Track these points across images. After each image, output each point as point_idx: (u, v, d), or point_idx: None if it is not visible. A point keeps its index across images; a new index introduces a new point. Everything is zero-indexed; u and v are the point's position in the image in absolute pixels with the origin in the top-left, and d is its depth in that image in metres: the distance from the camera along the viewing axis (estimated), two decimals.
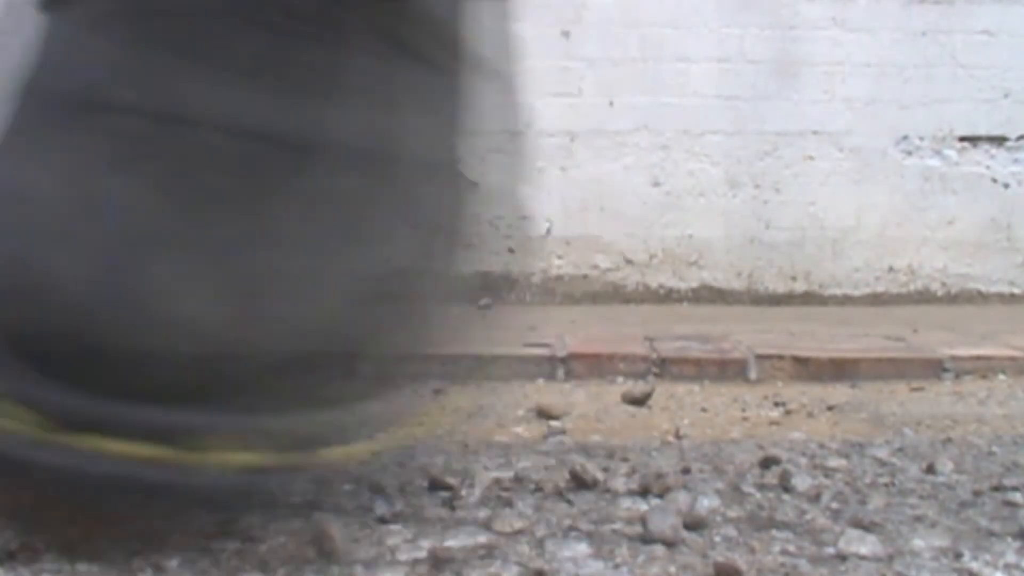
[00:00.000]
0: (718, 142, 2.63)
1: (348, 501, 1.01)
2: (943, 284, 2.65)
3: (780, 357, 1.71)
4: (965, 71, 2.65)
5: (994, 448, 1.24)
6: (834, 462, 1.17)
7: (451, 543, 0.89)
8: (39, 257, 0.84)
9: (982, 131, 2.66)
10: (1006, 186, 2.65)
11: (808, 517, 0.98)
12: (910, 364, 1.72)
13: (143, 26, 0.93)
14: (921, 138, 2.65)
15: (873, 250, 2.66)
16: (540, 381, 1.69)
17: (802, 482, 1.09)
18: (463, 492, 1.04)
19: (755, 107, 2.66)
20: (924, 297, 2.64)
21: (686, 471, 1.13)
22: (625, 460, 1.17)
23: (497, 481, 1.08)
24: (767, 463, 1.15)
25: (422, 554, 0.86)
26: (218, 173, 0.86)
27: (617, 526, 0.94)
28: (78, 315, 0.82)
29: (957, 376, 1.70)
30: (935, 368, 1.71)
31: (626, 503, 1.01)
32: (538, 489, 1.05)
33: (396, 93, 0.97)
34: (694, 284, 2.63)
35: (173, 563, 0.83)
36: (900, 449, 1.23)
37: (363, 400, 1.00)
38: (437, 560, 0.85)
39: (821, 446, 1.25)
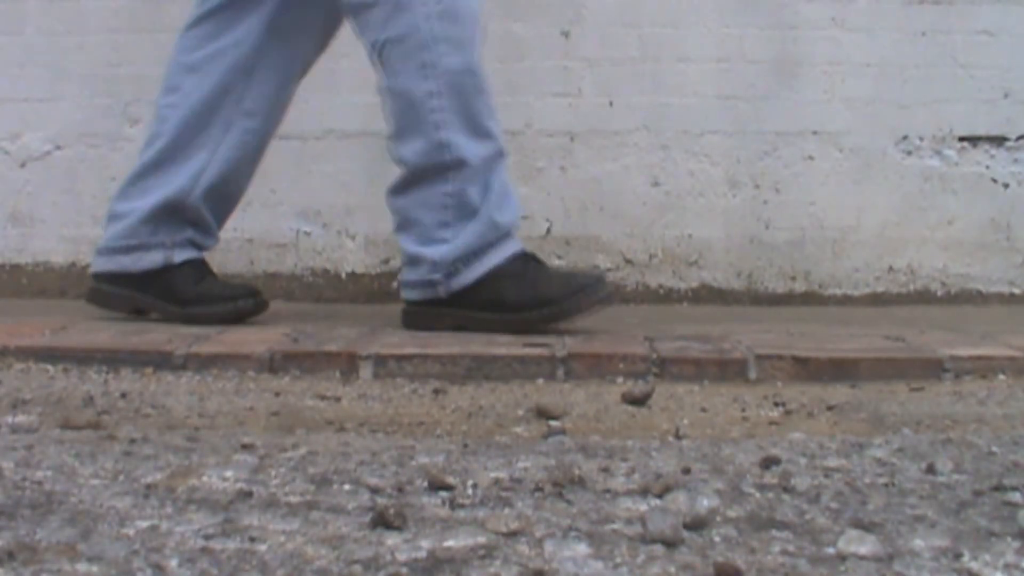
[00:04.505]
0: (718, 142, 2.63)
1: (348, 501, 1.01)
2: (943, 284, 2.64)
3: (780, 357, 1.71)
4: (965, 71, 2.65)
5: (994, 448, 1.24)
6: (834, 462, 1.17)
7: (451, 543, 0.89)
8: None
9: (982, 131, 2.65)
10: (1006, 186, 2.64)
11: (808, 517, 0.98)
12: (910, 364, 1.72)
13: None
14: (921, 138, 2.65)
15: (873, 250, 2.66)
16: (540, 381, 1.69)
17: (802, 482, 1.09)
18: (463, 492, 1.04)
19: (755, 107, 2.65)
20: (924, 297, 2.64)
21: (686, 471, 1.13)
22: (625, 460, 1.17)
23: (497, 481, 1.08)
24: (767, 463, 1.15)
25: (422, 554, 0.86)
26: None
27: (617, 526, 0.94)
28: None
29: (957, 376, 1.70)
30: (935, 368, 1.71)
31: (626, 503, 1.01)
32: (538, 489, 1.05)
33: None
34: (694, 284, 2.63)
35: (173, 563, 0.83)
36: (900, 449, 1.23)
37: None
38: (437, 560, 0.85)
39: (821, 446, 1.25)
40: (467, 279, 1.96)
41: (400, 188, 2.03)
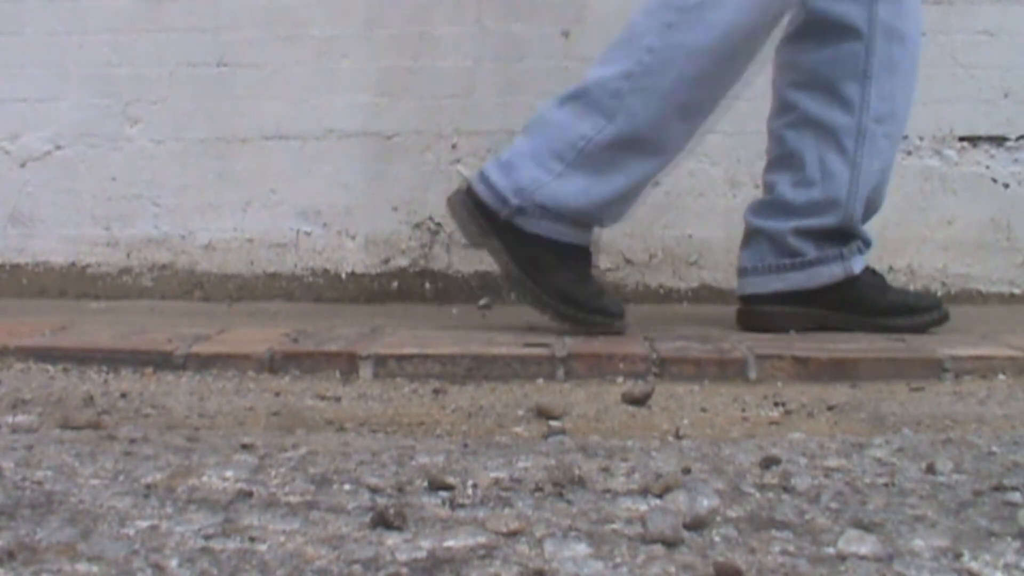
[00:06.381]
0: (718, 142, 2.62)
1: (348, 501, 1.01)
2: (943, 284, 2.64)
3: (780, 357, 1.71)
4: (965, 71, 2.65)
5: (994, 448, 1.24)
6: (834, 462, 1.17)
7: (451, 543, 0.89)
8: None
9: (982, 131, 2.65)
10: (1006, 186, 2.64)
11: (808, 517, 0.98)
12: (910, 364, 1.72)
13: None
14: (921, 138, 2.65)
15: (873, 250, 2.65)
16: (540, 381, 1.69)
17: (802, 482, 1.09)
18: (463, 492, 1.04)
19: (755, 107, 2.64)
20: None
21: (686, 471, 1.13)
22: (625, 460, 1.17)
23: (497, 481, 1.08)
24: (767, 463, 1.15)
25: (422, 554, 0.86)
26: None
27: (617, 526, 0.94)
28: None
29: (957, 376, 1.70)
30: (935, 368, 1.71)
31: (626, 503, 1.01)
32: (538, 489, 1.05)
33: None
34: (694, 284, 2.63)
35: (173, 563, 0.83)
36: (900, 449, 1.23)
37: None
38: (437, 560, 0.85)
39: (821, 446, 1.25)
40: (529, 227, 1.90)
41: (564, 98, 1.91)
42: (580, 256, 1.95)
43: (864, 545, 0.88)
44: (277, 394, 1.58)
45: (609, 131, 1.86)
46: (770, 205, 2.08)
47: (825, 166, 2.00)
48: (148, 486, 1.05)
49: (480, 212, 1.93)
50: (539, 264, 1.91)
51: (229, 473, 1.09)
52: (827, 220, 2.01)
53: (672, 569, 0.84)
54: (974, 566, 0.85)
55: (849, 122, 1.99)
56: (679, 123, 1.89)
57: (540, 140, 1.91)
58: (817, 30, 2.00)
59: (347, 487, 1.06)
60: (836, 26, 1.97)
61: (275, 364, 1.72)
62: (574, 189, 1.89)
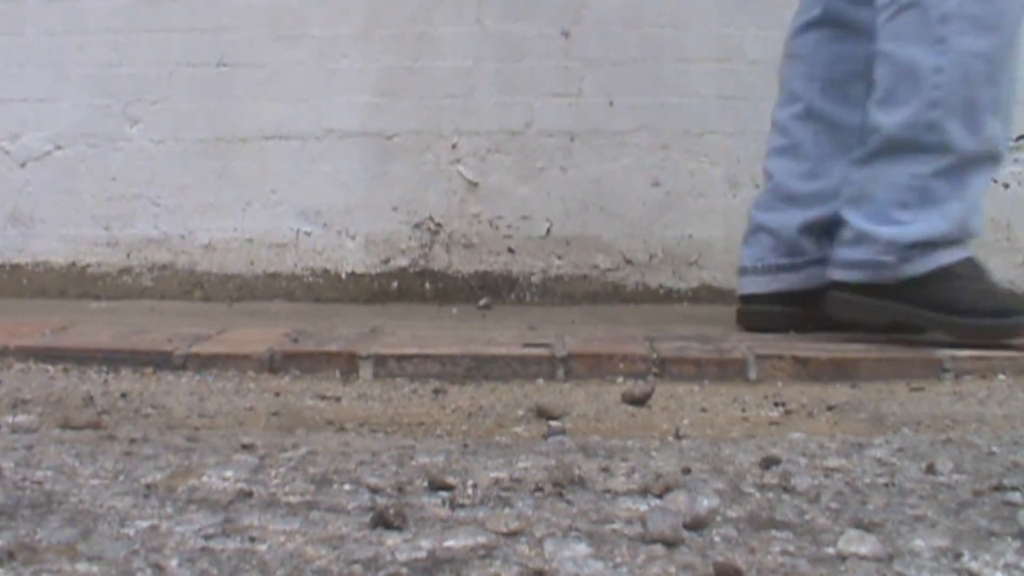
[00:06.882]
0: (718, 142, 2.62)
1: (348, 501, 1.01)
2: None
3: (780, 357, 1.71)
4: None
5: (994, 448, 1.24)
6: (834, 462, 1.17)
7: (451, 543, 0.89)
8: None
9: None
10: (1006, 186, 2.64)
11: (808, 517, 0.98)
12: (910, 364, 1.72)
13: None
14: None
15: None
16: (540, 381, 1.69)
17: (802, 482, 1.09)
18: (463, 492, 1.04)
19: (755, 107, 2.65)
20: None
21: (686, 471, 1.13)
22: (625, 460, 1.17)
23: (497, 481, 1.08)
24: (767, 463, 1.15)
25: (422, 554, 0.86)
26: None
27: (617, 526, 0.94)
28: None
29: (957, 376, 1.70)
30: (935, 368, 1.71)
31: (626, 503, 1.01)
32: (538, 489, 1.05)
33: None
34: (694, 284, 2.63)
35: (173, 563, 0.83)
36: (900, 449, 1.24)
37: None
38: (437, 560, 0.85)
39: (821, 446, 1.25)
40: (920, 268, 1.83)
41: (865, 159, 1.88)
42: (975, 266, 1.87)
43: (864, 545, 0.88)
44: (277, 394, 1.58)
45: (942, 163, 1.82)
46: (774, 196, 2.07)
47: (829, 160, 2.00)
48: (148, 486, 1.05)
49: (868, 294, 1.87)
50: (948, 294, 1.83)
51: (229, 473, 1.09)
52: (830, 208, 1.99)
53: (672, 569, 0.84)
54: (974, 566, 0.85)
55: (854, 120, 1.99)
56: (995, 122, 1.84)
57: (870, 205, 1.87)
58: (830, 26, 2.01)
59: (347, 487, 1.06)
60: (849, 26, 1.98)
61: (275, 364, 1.72)
62: (933, 221, 1.83)
